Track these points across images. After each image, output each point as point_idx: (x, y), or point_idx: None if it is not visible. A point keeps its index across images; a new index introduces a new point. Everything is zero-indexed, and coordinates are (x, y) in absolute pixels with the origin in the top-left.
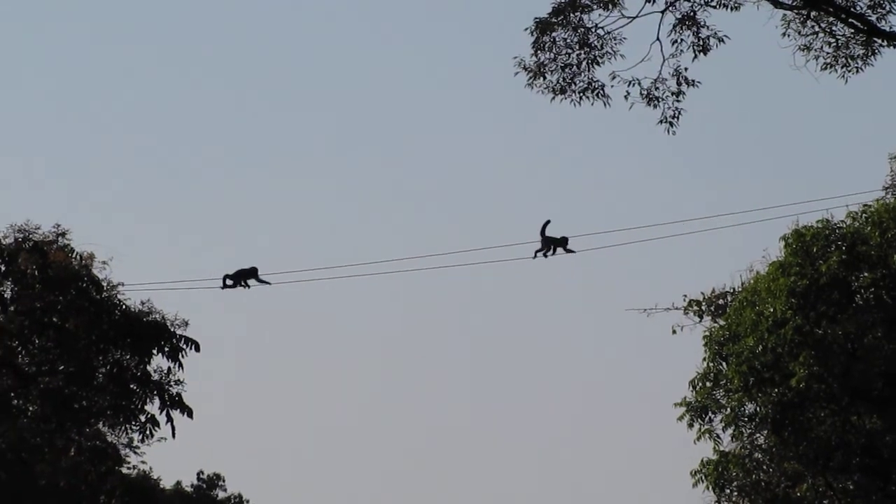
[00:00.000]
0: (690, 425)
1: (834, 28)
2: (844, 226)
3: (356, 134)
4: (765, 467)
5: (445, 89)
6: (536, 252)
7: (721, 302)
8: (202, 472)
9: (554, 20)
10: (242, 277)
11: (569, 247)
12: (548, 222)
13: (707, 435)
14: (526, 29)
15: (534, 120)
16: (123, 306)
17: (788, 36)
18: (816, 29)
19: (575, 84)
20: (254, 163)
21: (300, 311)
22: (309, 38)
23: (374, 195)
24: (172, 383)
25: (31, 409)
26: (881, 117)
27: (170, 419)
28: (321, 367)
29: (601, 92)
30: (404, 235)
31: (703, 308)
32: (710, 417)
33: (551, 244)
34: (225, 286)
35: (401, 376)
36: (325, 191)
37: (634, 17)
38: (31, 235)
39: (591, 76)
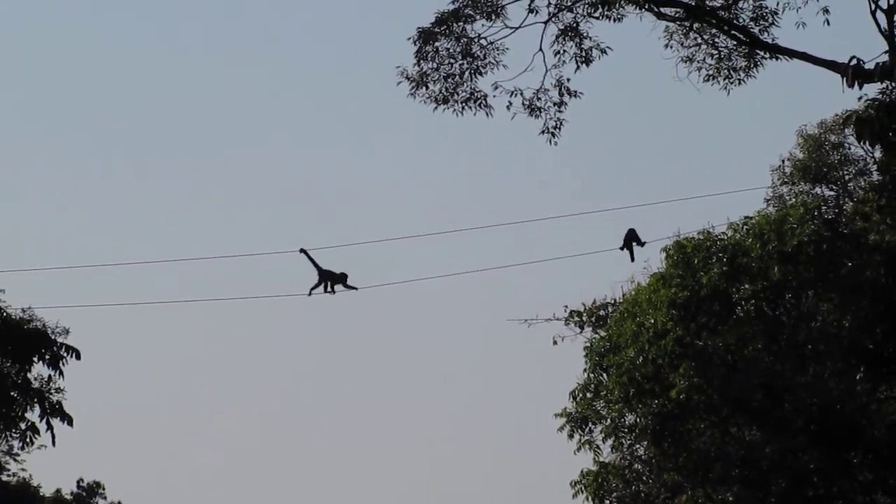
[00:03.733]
0: (571, 436)
1: (717, 40)
2: (725, 237)
3: (232, 145)
4: (644, 478)
5: (329, 99)
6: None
7: (602, 313)
8: (82, 480)
9: (437, 30)
10: (333, 280)
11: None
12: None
13: (587, 446)
14: (409, 38)
15: (417, 130)
16: (4, 314)
17: (671, 48)
18: (699, 41)
19: (457, 94)
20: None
21: (183, 321)
22: (176, 43)
23: (251, 207)
24: (53, 391)
25: None
26: (764, 129)
27: (50, 427)
28: (200, 377)
29: (483, 102)
30: (282, 243)
31: (584, 319)
32: (590, 428)
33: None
34: (313, 291)
35: (283, 387)
36: (203, 205)
37: (517, 28)
38: None
39: (473, 86)
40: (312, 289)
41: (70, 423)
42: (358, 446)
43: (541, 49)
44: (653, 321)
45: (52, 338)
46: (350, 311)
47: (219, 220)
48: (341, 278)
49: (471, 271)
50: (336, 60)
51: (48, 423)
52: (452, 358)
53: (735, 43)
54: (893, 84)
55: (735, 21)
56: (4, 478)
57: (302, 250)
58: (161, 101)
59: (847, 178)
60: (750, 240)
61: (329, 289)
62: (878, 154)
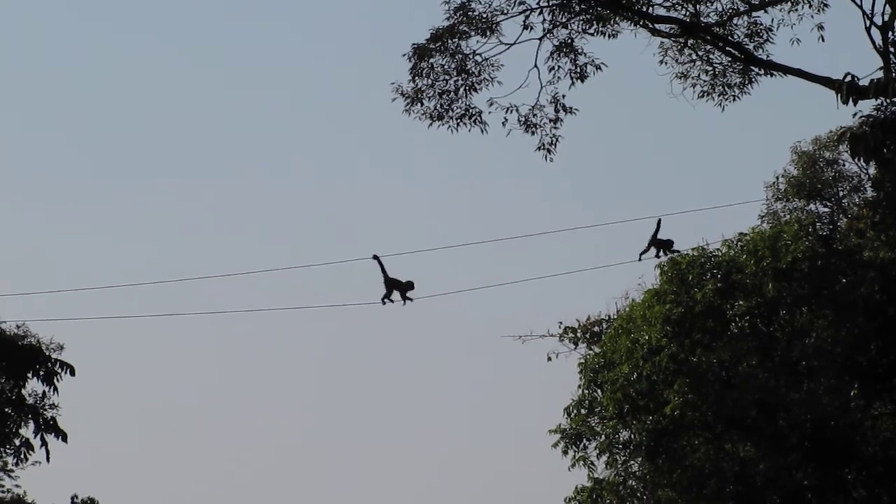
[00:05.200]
0: (565, 452)
1: (711, 56)
2: (720, 254)
3: (221, 160)
4: (639, 495)
5: (322, 114)
6: (640, 254)
7: (596, 329)
8: (76, 497)
9: (432, 46)
10: (399, 289)
11: (674, 248)
12: (659, 221)
13: (581, 462)
14: (404, 55)
15: (410, 145)
16: None
17: (666, 64)
18: (694, 57)
19: (452, 110)
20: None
21: (177, 336)
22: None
23: (240, 228)
24: (47, 407)
25: None
26: (758, 146)
27: (44, 443)
28: (196, 393)
29: (478, 118)
30: (276, 263)
31: (579, 335)
32: (584, 444)
33: (654, 246)
34: (387, 297)
35: (278, 404)
36: (188, 217)
37: (512, 45)
38: None
39: (468, 102)
40: (385, 297)
41: (65, 439)
42: (349, 464)
43: (536, 65)
44: (647, 337)
45: (47, 354)
46: (339, 327)
47: (207, 235)
48: (408, 286)
49: (466, 290)
50: (330, 76)
51: (42, 439)
52: (446, 374)
53: (729, 59)
54: (888, 100)
55: (730, 37)
56: None
57: (375, 257)
58: (166, 117)
59: (841, 194)
60: (744, 256)
61: (392, 298)
62: (872, 170)
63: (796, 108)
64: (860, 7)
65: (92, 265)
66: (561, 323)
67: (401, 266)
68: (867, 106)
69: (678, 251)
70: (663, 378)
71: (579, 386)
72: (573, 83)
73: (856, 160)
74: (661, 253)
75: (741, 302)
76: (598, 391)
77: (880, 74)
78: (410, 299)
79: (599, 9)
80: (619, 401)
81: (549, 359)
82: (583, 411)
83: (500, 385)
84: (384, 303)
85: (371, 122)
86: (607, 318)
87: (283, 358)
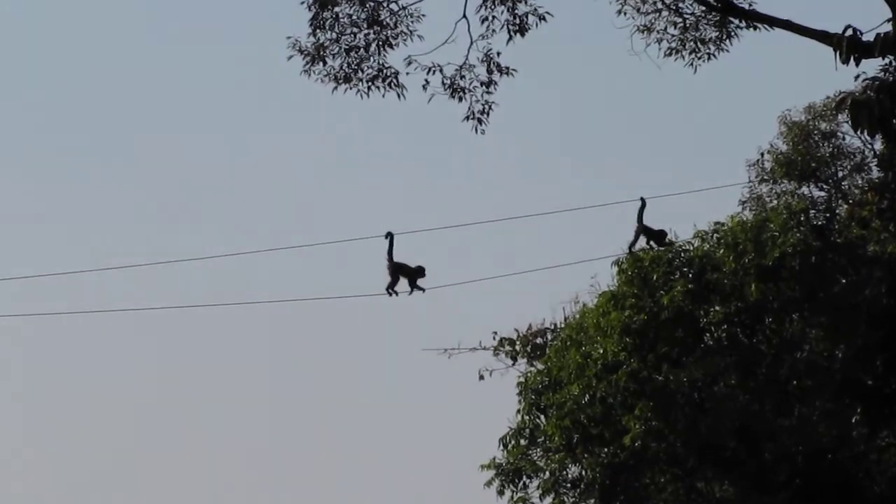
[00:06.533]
0: (501, 492)
1: (681, 5)
2: (692, 248)
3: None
4: None
5: (211, 74)
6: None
7: (539, 341)
8: None
9: None
10: (411, 276)
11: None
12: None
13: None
14: (302, 2)
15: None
16: None
17: (626, 14)
18: (659, 6)
19: (362, 70)
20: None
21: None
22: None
23: (122, 203)
24: None
25: None
26: (739, 115)
27: None
28: (81, 391)
29: (394, 81)
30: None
31: (518, 348)
32: (524, 483)
33: (643, 234)
34: (392, 287)
35: (165, 417)
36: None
37: None
38: None
39: (381, 61)
40: (390, 287)
41: None
42: (252, 496)
43: (465, 16)
44: (602, 351)
45: None
46: (232, 332)
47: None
48: (418, 273)
49: (377, 294)
50: (218, 29)
51: None
52: (355, 394)
53: (704, 9)
54: None
55: None
56: None
57: (388, 234)
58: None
59: (841, 175)
60: (722, 251)
61: (395, 289)
62: (878, 145)
63: (785, 70)
64: None
65: None
66: (496, 333)
67: (316, 261)
68: (872, 66)
69: (671, 242)
70: (622, 401)
71: (518, 411)
72: (511, 38)
73: (858, 133)
74: (650, 244)
75: (717, 307)
76: (542, 417)
77: (888, 27)
78: (421, 289)
79: None
80: (568, 429)
81: (482, 377)
82: (523, 442)
83: (422, 410)
84: (390, 294)
85: (268, 83)
86: (553, 327)
87: (176, 362)
